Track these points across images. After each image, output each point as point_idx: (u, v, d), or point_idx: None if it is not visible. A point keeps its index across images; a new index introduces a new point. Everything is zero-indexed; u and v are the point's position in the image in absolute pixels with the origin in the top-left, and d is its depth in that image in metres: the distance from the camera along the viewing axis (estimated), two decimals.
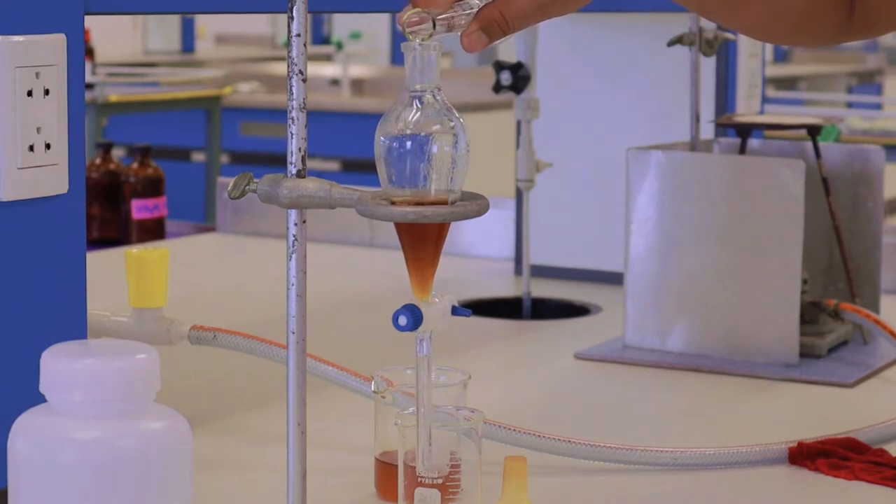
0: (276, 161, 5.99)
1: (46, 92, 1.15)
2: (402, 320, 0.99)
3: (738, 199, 1.75)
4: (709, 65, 2.17)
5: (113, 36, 8.39)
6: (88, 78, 5.39)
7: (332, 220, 2.57)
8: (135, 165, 2.83)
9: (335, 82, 7.56)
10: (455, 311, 1.02)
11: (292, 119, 0.97)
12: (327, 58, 9.15)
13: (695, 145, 1.90)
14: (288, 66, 0.97)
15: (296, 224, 0.99)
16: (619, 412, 1.61)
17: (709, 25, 1.96)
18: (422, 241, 1.01)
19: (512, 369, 1.84)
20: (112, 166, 2.85)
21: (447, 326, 1.01)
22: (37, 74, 1.15)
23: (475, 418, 1.16)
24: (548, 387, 1.70)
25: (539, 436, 1.34)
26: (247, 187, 1.00)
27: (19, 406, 0.85)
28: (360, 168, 5.96)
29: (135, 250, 1.47)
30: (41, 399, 0.83)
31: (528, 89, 2.01)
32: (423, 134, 0.98)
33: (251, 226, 2.71)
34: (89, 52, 5.74)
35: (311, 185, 0.98)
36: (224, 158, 6.22)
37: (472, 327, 1.94)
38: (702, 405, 1.63)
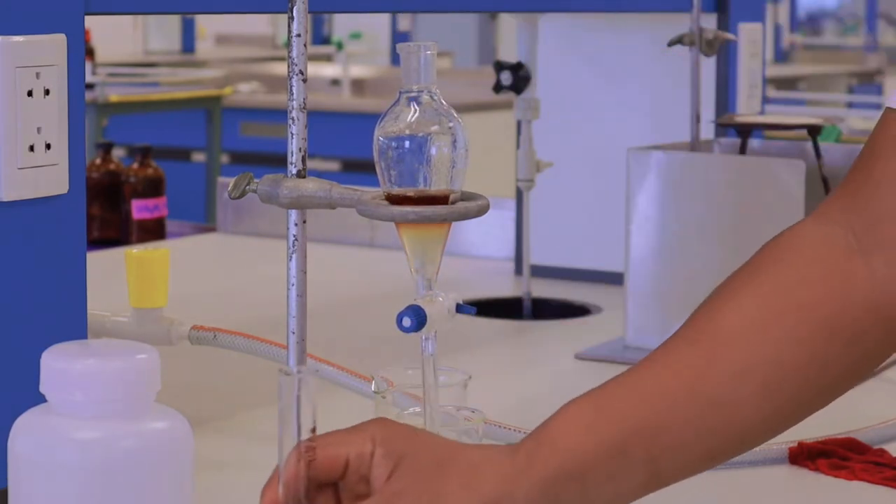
0: (277, 161, 5.99)
1: (47, 92, 1.15)
2: (406, 321, 0.99)
3: (739, 199, 1.75)
4: (709, 65, 2.17)
5: (113, 36, 8.38)
6: (88, 78, 5.39)
7: (332, 220, 2.57)
8: (135, 165, 2.83)
9: (335, 82, 7.55)
10: (459, 308, 1.02)
11: (292, 119, 0.97)
12: (327, 58, 9.15)
13: (695, 145, 1.90)
14: (288, 66, 0.97)
15: (296, 224, 0.99)
16: None
17: (709, 25, 1.96)
18: (423, 241, 1.01)
19: (512, 369, 1.84)
20: (112, 166, 2.85)
21: (449, 326, 1.01)
22: (37, 74, 1.15)
23: (476, 418, 1.16)
24: (548, 387, 1.70)
25: None
26: (247, 187, 1.00)
27: (19, 406, 0.85)
28: (360, 168, 5.96)
29: (135, 250, 1.47)
30: (41, 399, 0.83)
31: (528, 89, 2.01)
32: (421, 134, 0.99)
33: (251, 226, 2.71)
34: (89, 52, 5.74)
35: (311, 186, 0.98)
36: (224, 158, 6.22)
37: (472, 327, 1.94)
38: None
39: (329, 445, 0.91)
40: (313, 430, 0.88)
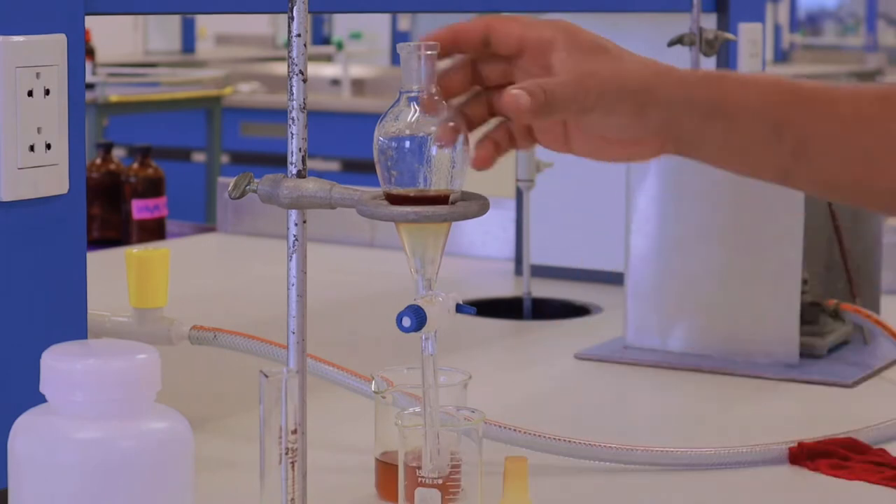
0: (277, 161, 5.99)
1: (47, 92, 1.15)
2: (406, 321, 0.99)
3: (738, 199, 1.75)
4: (709, 65, 2.17)
5: (113, 36, 8.38)
6: (89, 78, 5.39)
7: (332, 220, 2.57)
8: (135, 165, 2.83)
9: (335, 82, 7.56)
10: (459, 308, 1.02)
11: (292, 119, 0.97)
12: (327, 58, 9.15)
13: None
14: (288, 66, 0.97)
15: (296, 224, 0.99)
16: (619, 412, 1.61)
17: (709, 25, 1.96)
18: (423, 242, 1.01)
19: (512, 369, 1.84)
20: (112, 166, 2.85)
21: (449, 325, 1.01)
22: (37, 74, 1.15)
23: (475, 418, 1.16)
24: (548, 387, 1.70)
25: (539, 436, 1.34)
26: (247, 187, 1.00)
27: (19, 406, 0.85)
28: (360, 168, 5.96)
29: (135, 250, 1.47)
30: (41, 399, 0.83)
31: None
32: (421, 134, 0.99)
33: (251, 226, 2.71)
34: (89, 52, 5.74)
35: (311, 186, 0.98)
36: (224, 158, 6.22)
37: (472, 327, 1.94)
38: (702, 405, 1.63)
39: (508, 22, 1.04)
40: (294, 432, 0.88)
